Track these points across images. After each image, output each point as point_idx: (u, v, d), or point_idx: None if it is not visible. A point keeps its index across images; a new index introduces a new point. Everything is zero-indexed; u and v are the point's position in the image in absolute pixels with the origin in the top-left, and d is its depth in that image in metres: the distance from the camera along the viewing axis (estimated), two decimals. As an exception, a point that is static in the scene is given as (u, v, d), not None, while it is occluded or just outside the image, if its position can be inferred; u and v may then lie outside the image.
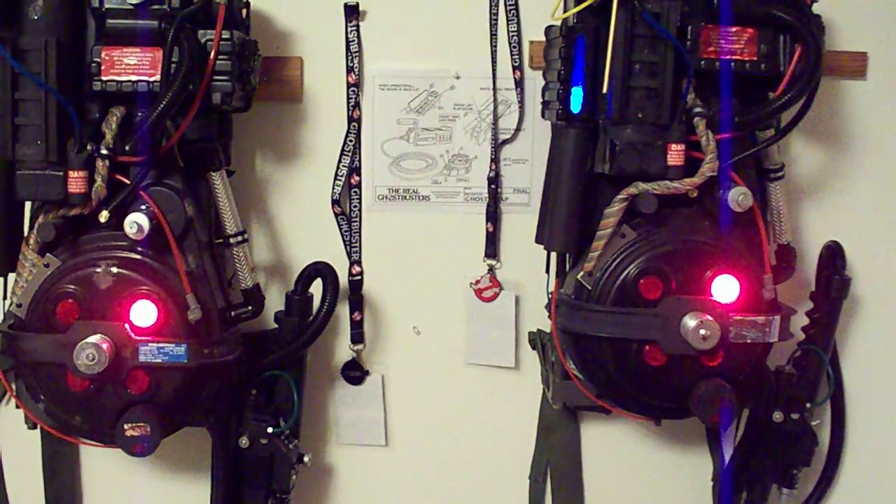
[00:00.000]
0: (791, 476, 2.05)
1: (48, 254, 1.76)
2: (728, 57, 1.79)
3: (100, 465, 2.18)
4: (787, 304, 1.88)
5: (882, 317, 2.20)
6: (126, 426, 1.72)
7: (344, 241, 2.11)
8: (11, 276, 1.82)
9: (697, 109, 1.78)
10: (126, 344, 1.72)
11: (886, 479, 2.26)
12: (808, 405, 2.01)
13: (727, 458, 2.08)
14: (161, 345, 1.73)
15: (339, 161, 2.08)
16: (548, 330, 2.05)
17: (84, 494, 2.20)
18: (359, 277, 2.12)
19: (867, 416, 2.22)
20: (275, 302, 2.05)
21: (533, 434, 2.19)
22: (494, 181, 2.11)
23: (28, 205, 1.84)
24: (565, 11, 1.84)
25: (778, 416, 1.98)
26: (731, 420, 1.95)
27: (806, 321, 2.07)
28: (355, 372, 2.17)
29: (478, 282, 2.14)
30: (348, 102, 2.08)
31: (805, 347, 2.05)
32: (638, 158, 1.77)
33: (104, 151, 1.70)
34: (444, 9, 2.08)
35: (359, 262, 2.12)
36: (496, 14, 2.06)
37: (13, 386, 1.87)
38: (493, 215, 2.11)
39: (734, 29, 1.79)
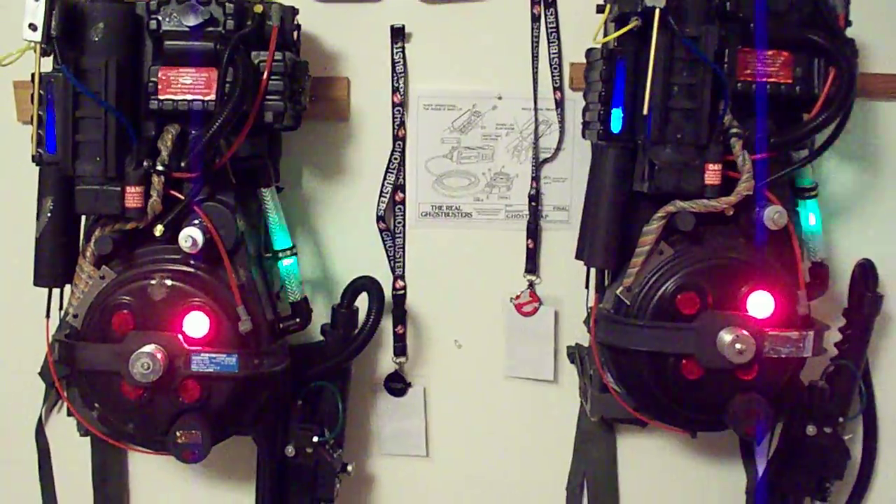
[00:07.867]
0: (824, 489, 2.05)
1: (104, 266, 1.80)
2: (764, 79, 1.81)
3: (148, 473, 2.23)
4: (820, 321, 1.89)
5: (913, 334, 2.21)
6: (178, 433, 1.75)
7: (388, 256, 2.14)
8: (67, 287, 1.85)
9: (734, 130, 1.79)
10: (179, 354, 1.75)
11: (918, 492, 2.27)
12: (841, 419, 2.02)
13: (761, 470, 2.11)
14: (213, 355, 1.76)
15: (384, 178, 2.11)
16: (586, 344, 2.07)
17: (132, 502, 2.24)
18: (402, 292, 2.15)
19: (898, 430, 2.23)
20: (321, 315, 2.07)
21: (570, 446, 2.21)
22: (535, 199, 2.13)
23: (83, 218, 1.87)
24: (606, 36, 1.85)
25: (811, 429, 1.99)
26: (765, 433, 1.96)
27: (839, 337, 2.08)
28: (398, 384, 2.19)
29: (518, 297, 2.16)
30: (393, 122, 2.11)
31: (838, 363, 2.06)
32: (676, 178, 1.79)
33: (160, 168, 1.75)
34: (486, 31, 2.10)
35: (402, 277, 2.15)
36: (538, 37, 2.09)
37: (66, 394, 1.91)
38: (534, 232, 2.14)
39: (770, 52, 1.80)
